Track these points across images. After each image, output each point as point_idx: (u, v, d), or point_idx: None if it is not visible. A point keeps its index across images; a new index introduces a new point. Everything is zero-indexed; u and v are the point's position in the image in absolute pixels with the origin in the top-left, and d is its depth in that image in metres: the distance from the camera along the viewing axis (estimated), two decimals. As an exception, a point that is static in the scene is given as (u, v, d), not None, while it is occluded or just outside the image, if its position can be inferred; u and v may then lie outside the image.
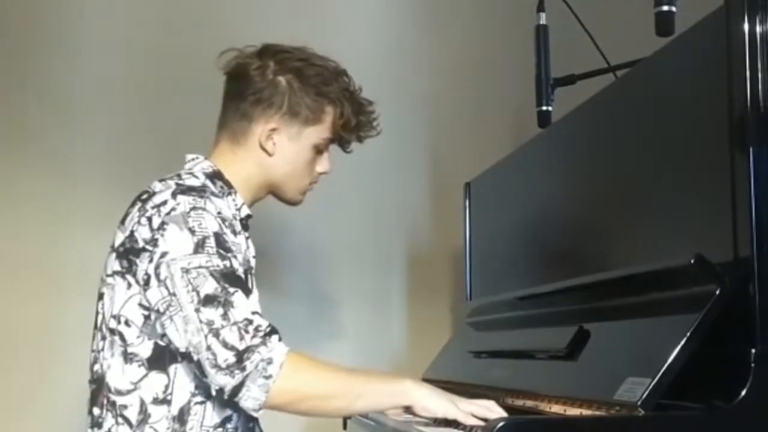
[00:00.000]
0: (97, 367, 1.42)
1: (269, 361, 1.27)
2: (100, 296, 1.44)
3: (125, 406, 1.37)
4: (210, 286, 1.30)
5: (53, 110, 2.38)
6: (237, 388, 1.27)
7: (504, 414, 1.32)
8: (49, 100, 2.38)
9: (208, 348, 1.28)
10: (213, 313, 1.29)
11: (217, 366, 1.27)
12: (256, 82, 1.51)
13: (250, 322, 1.29)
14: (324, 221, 2.51)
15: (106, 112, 2.41)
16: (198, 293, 1.30)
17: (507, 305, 1.79)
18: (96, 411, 1.40)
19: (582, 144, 1.64)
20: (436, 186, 2.62)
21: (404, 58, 2.64)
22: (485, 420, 1.31)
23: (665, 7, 1.57)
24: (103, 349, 1.41)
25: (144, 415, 1.36)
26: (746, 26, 1.15)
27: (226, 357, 1.27)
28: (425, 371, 2.05)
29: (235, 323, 1.28)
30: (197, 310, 1.30)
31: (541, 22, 2.05)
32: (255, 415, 1.35)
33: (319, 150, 1.56)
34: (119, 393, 1.37)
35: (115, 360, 1.38)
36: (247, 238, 1.52)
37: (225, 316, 1.29)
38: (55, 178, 2.36)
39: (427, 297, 2.55)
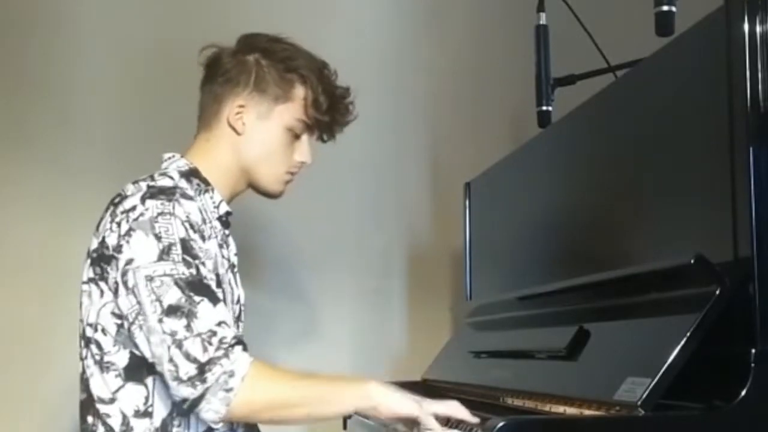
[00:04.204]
0: (84, 375, 1.40)
1: (231, 374, 1.25)
2: (80, 304, 1.42)
3: (108, 415, 1.35)
4: (173, 296, 1.28)
5: (53, 110, 2.38)
6: (197, 401, 1.25)
7: (468, 414, 1.32)
8: (49, 100, 2.38)
9: (170, 360, 1.26)
10: (176, 324, 1.26)
11: (178, 378, 1.25)
12: (225, 64, 1.50)
13: (214, 333, 1.27)
14: (324, 221, 2.51)
15: (105, 112, 2.41)
16: (161, 303, 1.28)
17: (507, 305, 1.79)
18: (89, 419, 1.38)
19: (582, 144, 1.64)
20: (436, 186, 2.62)
21: (404, 58, 2.64)
22: (448, 419, 1.32)
23: (665, 7, 1.57)
24: (86, 358, 1.39)
25: (127, 428, 1.34)
26: (746, 26, 1.15)
27: (188, 370, 1.25)
28: (425, 371, 2.05)
29: (198, 334, 1.26)
30: (160, 321, 1.27)
31: (541, 22, 2.05)
32: (214, 427, 1.33)
33: (295, 134, 1.52)
34: (102, 401, 1.36)
35: (95, 368, 1.37)
36: (227, 236, 1.51)
37: (188, 327, 1.26)
38: (55, 178, 2.36)
39: (427, 297, 2.55)
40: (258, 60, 1.50)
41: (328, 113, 1.53)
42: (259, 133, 1.50)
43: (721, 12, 1.20)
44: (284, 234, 2.48)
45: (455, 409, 1.34)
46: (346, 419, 1.90)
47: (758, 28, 1.15)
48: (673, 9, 1.57)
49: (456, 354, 1.99)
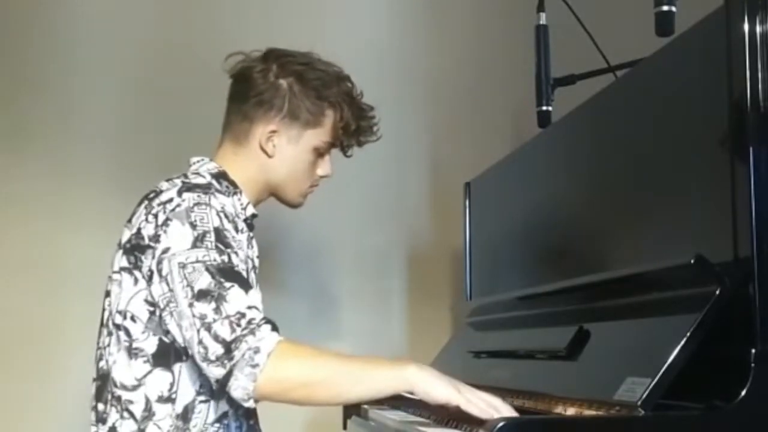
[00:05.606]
0: (102, 363, 1.44)
1: (256, 350, 1.25)
2: (107, 293, 1.45)
3: (131, 402, 1.39)
4: (204, 281, 1.31)
5: (53, 110, 2.38)
6: (225, 378, 1.26)
7: (512, 411, 1.26)
8: (49, 100, 2.38)
9: (200, 342, 1.28)
10: (206, 308, 1.29)
11: (207, 359, 1.27)
12: (258, 85, 1.53)
13: (243, 315, 1.28)
14: (324, 221, 2.51)
15: (105, 112, 2.41)
16: (192, 288, 1.31)
17: (507, 305, 1.79)
18: (100, 407, 1.42)
19: (582, 144, 1.64)
20: (436, 186, 2.62)
21: (404, 58, 2.64)
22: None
23: (665, 7, 1.57)
24: (108, 345, 1.42)
25: (149, 413, 1.38)
26: (746, 26, 1.15)
27: (216, 350, 1.26)
28: (425, 371, 2.04)
29: (227, 317, 1.28)
30: (191, 305, 1.30)
31: (541, 22, 2.05)
32: (246, 405, 1.31)
33: (319, 153, 1.58)
34: (125, 388, 1.39)
35: (121, 355, 1.40)
36: (251, 238, 1.54)
37: (217, 309, 1.28)
38: (55, 178, 2.36)
39: (427, 297, 2.55)
40: (291, 86, 1.53)
41: (355, 135, 1.60)
42: (288, 155, 1.55)
43: (721, 12, 1.20)
44: (284, 235, 2.48)
45: (496, 403, 1.27)
46: (346, 419, 1.90)
47: (758, 28, 1.15)
48: (673, 9, 1.57)
49: (456, 354, 1.99)
